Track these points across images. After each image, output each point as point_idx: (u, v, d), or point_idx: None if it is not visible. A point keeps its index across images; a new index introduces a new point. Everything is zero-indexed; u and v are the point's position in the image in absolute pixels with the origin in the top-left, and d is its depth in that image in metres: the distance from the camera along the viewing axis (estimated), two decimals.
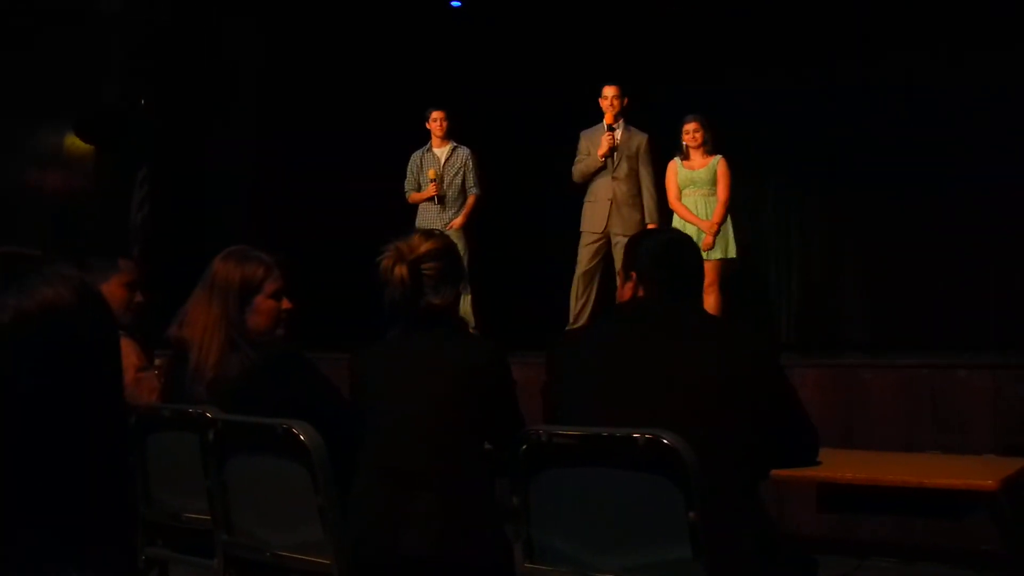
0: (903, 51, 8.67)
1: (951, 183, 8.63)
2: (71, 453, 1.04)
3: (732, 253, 6.82)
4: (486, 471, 2.93)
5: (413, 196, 7.67)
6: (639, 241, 2.83)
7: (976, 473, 2.95)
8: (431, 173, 7.54)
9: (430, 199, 7.56)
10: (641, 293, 2.65)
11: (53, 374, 1.03)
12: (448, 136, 7.67)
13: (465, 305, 7.36)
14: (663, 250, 2.71)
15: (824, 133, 9.16)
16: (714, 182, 6.85)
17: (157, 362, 3.77)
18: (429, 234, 3.01)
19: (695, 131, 6.90)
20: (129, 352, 3.72)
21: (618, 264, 7.01)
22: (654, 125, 7.26)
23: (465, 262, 7.35)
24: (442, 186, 7.54)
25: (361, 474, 2.89)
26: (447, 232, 7.45)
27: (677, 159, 6.97)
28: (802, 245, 9.66)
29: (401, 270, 2.87)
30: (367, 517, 2.80)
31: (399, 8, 9.12)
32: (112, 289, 3.83)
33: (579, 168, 7.18)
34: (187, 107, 8.47)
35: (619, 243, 6.95)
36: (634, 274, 2.68)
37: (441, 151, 7.66)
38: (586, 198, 7.16)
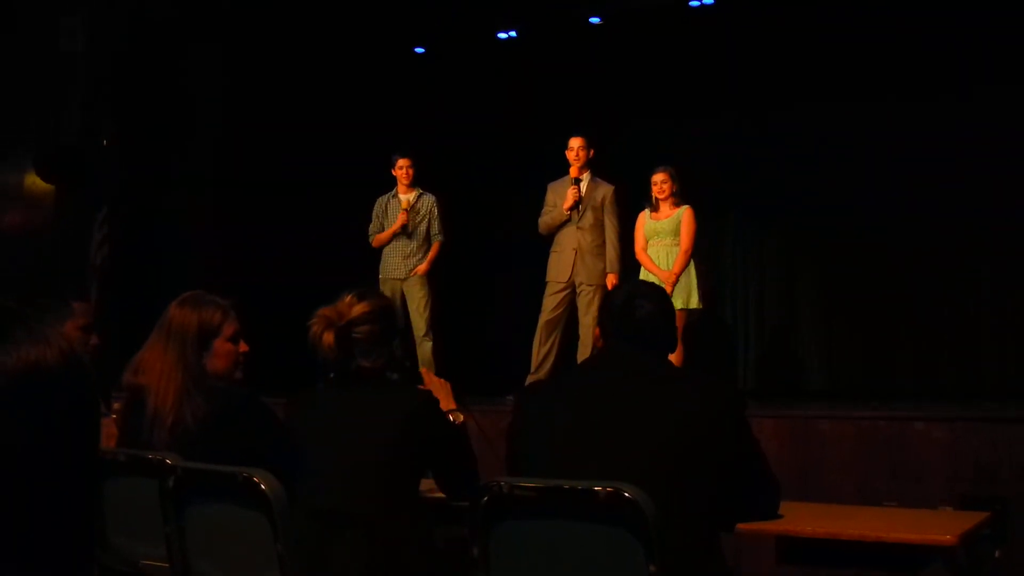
0: (859, 99, 8.76)
1: (909, 234, 8.72)
2: (36, 508, 1.03)
3: (694, 303, 6.81)
4: (419, 515, 2.96)
5: (378, 237, 7.67)
6: (605, 294, 2.88)
7: (935, 528, 2.96)
8: (404, 203, 7.56)
9: (395, 235, 7.58)
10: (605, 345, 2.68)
11: (30, 433, 1.02)
12: (414, 183, 7.69)
13: (426, 352, 7.35)
14: (622, 303, 2.72)
15: (782, 183, 9.22)
16: (677, 232, 6.86)
17: (115, 406, 3.74)
18: (363, 295, 3.04)
19: (663, 182, 6.92)
20: None
21: (581, 313, 7.04)
22: (624, 174, 7.31)
23: (428, 308, 7.39)
24: (413, 219, 7.56)
25: (293, 516, 2.89)
26: (411, 277, 7.48)
27: (647, 210, 7.01)
28: (760, 294, 9.70)
29: (328, 337, 2.91)
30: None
31: (365, 53, 9.15)
32: (67, 332, 3.79)
33: (544, 220, 7.22)
34: (148, 147, 8.45)
35: (584, 292, 6.97)
36: (597, 328, 2.71)
37: (407, 197, 7.67)
38: (552, 248, 7.19)
